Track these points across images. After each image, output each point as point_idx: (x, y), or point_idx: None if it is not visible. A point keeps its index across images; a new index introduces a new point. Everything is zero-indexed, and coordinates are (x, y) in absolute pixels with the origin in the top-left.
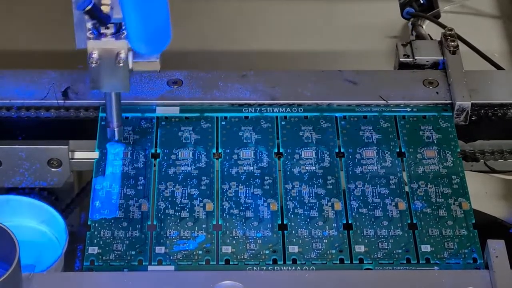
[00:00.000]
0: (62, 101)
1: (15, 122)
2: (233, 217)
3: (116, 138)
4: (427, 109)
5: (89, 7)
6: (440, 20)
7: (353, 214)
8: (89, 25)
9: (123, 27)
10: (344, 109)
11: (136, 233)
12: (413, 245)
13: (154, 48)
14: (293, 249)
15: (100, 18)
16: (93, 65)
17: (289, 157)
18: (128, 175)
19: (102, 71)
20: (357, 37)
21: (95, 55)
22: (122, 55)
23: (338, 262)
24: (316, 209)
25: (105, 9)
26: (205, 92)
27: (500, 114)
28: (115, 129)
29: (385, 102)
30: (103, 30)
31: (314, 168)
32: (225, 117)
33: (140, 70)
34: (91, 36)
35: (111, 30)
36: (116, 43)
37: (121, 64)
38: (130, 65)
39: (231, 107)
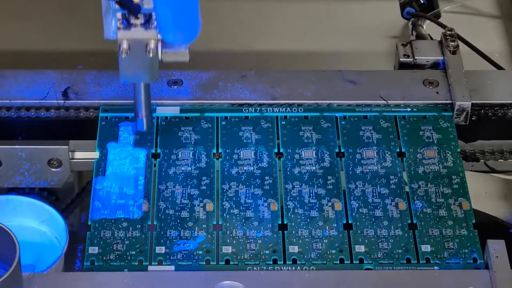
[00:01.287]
0: (62, 101)
1: (15, 122)
2: (233, 217)
3: (144, 128)
4: (427, 109)
5: None
6: (440, 20)
7: (353, 214)
8: (118, 15)
9: (153, 17)
10: (344, 109)
11: (136, 233)
12: (413, 245)
13: (184, 38)
14: (293, 249)
15: (131, 8)
16: (123, 55)
17: (289, 157)
18: (128, 175)
19: (131, 62)
20: (357, 37)
21: (125, 45)
22: (152, 46)
23: (338, 262)
24: (316, 209)
25: None
26: (205, 92)
27: (500, 114)
28: (144, 119)
29: (385, 102)
30: (133, 20)
31: (314, 168)
32: (225, 117)
33: (169, 61)
34: (121, 26)
35: (141, 20)
36: (146, 33)
37: (151, 55)
38: (160, 56)
39: (231, 107)
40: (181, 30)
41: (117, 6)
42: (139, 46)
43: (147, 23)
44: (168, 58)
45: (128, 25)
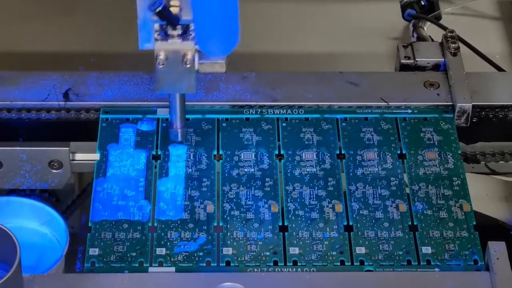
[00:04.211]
0: (63, 102)
1: (16, 123)
2: (234, 218)
3: (179, 139)
4: (428, 111)
5: (160, 8)
6: (441, 21)
7: (354, 215)
8: (156, 26)
9: (190, 29)
10: (345, 110)
11: (136, 234)
12: (413, 247)
13: (223, 49)
14: (294, 250)
15: (170, 20)
16: (160, 66)
17: (290, 158)
18: (129, 176)
19: (168, 73)
20: (358, 39)
21: (162, 56)
22: (189, 57)
23: (338, 263)
24: (317, 211)
25: (174, 10)
26: (206, 94)
27: (501, 115)
28: (178, 130)
29: (386, 103)
30: (170, 32)
31: (315, 169)
32: (226, 119)
33: (205, 72)
34: (159, 37)
35: (178, 31)
36: (183, 45)
37: (188, 66)
38: (196, 67)
39: (232, 108)
40: (220, 42)
41: (155, 18)
42: (176, 57)
43: (184, 34)
44: (205, 69)
45: (165, 36)
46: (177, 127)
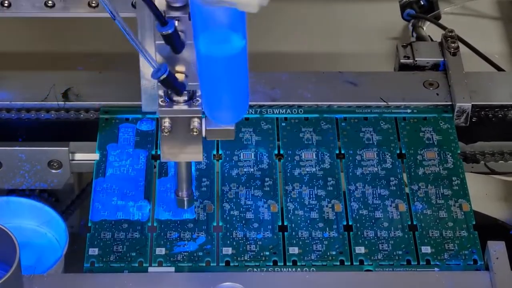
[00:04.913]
0: (63, 102)
1: (15, 123)
2: (234, 218)
3: (186, 208)
4: (428, 111)
5: (165, 75)
6: (440, 21)
7: (354, 215)
8: (160, 92)
9: (197, 94)
10: (344, 110)
11: (136, 234)
12: (413, 247)
13: (232, 118)
14: (294, 250)
15: (175, 87)
16: (165, 134)
17: (289, 158)
18: (128, 176)
19: (173, 140)
20: (357, 39)
21: (167, 123)
22: (196, 124)
23: (338, 263)
24: (317, 211)
25: (180, 77)
26: None
27: (500, 115)
28: (185, 199)
29: (385, 103)
30: (175, 98)
31: (314, 169)
32: None
33: (213, 138)
34: (163, 104)
35: (184, 97)
36: (189, 111)
37: (194, 133)
38: (204, 133)
39: None
40: (229, 111)
41: (159, 84)
42: (182, 124)
43: (190, 100)
44: (213, 136)
45: (170, 102)
46: (184, 195)
